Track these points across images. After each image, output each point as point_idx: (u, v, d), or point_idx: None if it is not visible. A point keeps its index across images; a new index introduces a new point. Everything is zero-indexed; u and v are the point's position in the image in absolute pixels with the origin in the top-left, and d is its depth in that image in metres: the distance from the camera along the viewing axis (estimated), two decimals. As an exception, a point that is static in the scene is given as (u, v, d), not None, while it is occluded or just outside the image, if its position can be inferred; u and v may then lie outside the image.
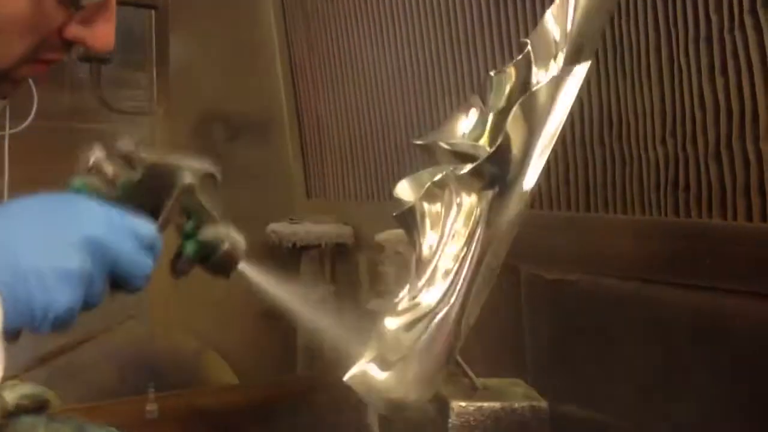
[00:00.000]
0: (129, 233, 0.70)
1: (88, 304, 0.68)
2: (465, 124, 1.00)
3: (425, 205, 0.91)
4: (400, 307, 0.89)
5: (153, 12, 2.04)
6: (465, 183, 0.88)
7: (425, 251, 0.90)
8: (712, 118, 1.17)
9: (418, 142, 1.01)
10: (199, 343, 2.03)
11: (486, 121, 1.00)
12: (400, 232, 1.25)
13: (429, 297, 0.88)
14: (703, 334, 1.16)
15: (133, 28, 2.03)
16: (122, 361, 1.90)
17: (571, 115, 1.35)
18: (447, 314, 0.88)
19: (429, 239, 0.90)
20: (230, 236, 0.79)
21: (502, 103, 0.99)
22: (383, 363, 0.87)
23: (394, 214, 0.94)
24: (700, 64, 1.17)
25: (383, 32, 1.80)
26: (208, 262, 0.79)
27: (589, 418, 1.24)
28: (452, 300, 0.87)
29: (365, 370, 0.87)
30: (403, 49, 1.75)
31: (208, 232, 0.78)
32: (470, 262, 0.88)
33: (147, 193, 0.76)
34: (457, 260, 0.89)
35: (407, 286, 0.91)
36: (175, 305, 2.06)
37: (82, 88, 1.92)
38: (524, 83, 0.98)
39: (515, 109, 0.88)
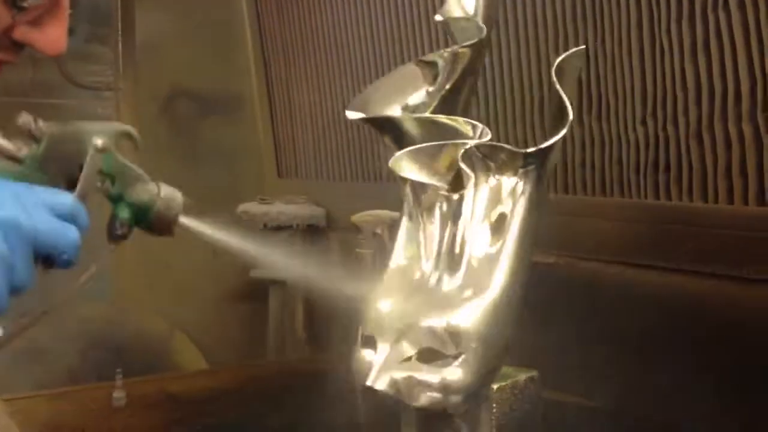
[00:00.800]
0: (42, 206, 0.67)
1: (16, 288, 0.65)
2: (410, 97, 0.94)
3: (439, 183, 0.83)
4: (438, 302, 0.81)
5: (118, -17, 1.98)
6: (504, 159, 0.81)
7: (445, 235, 0.83)
8: (693, 98, 1.15)
9: (373, 116, 0.91)
10: (167, 325, 1.99)
11: (435, 96, 0.95)
12: (378, 212, 1.21)
13: (476, 285, 0.81)
14: (684, 318, 1.15)
15: (99, 2, 1.97)
16: (87, 343, 1.86)
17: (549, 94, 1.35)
18: (507, 299, 0.82)
19: (449, 222, 0.83)
20: (162, 192, 0.78)
21: (452, 81, 0.94)
22: (436, 358, 0.79)
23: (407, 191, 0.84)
24: (682, 44, 1.15)
25: (357, 8, 1.76)
26: (145, 222, 0.78)
27: (571, 403, 1.23)
28: (502, 284, 0.81)
29: (410, 370, 0.79)
30: (377, 25, 1.72)
31: (137, 193, 0.77)
32: (513, 243, 0.83)
33: (58, 163, 0.74)
34: (500, 242, 0.83)
35: (431, 278, 0.83)
36: (141, 286, 2.02)
37: (45, 63, 1.85)
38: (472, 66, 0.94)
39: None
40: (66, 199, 0.70)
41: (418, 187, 0.84)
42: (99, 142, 0.75)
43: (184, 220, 0.80)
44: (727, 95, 1.11)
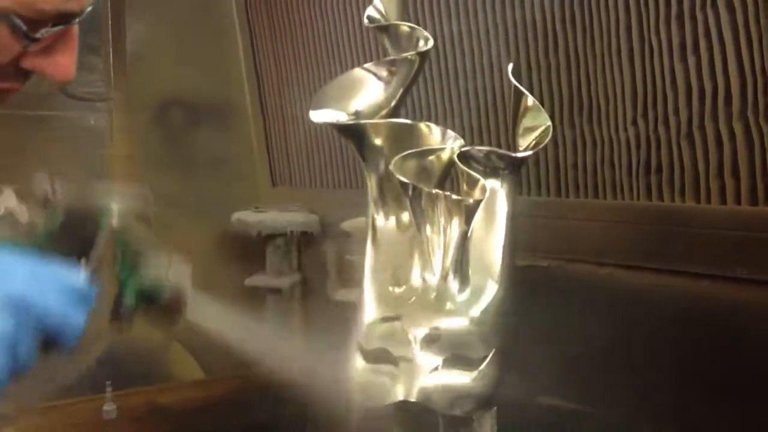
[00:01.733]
0: (55, 286, 0.64)
1: (18, 367, 0.62)
2: (365, 99, 0.92)
3: (430, 188, 0.82)
4: (448, 306, 0.80)
5: (109, -6, 1.97)
6: (496, 162, 0.81)
7: (435, 238, 0.82)
8: (684, 98, 1.15)
9: (341, 122, 0.89)
10: (163, 336, 1.98)
11: (392, 97, 0.94)
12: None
13: (480, 285, 0.80)
14: (677, 319, 1.14)
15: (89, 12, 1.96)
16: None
17: (540, 97, 1.34)
18: (509, 296, 0.82)
19: (443, 226, 0.82)
20: (172, 279, 0.74)
21: (405, 87, 0.93)
22: (464, 364, 0.78)
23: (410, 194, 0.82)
24: (671, 44, 1.15)
25: (348, 17, 1.76)
26: (152, 308, 0.75)
27: (563, 406, 1.23)
28: (505, 283, 0.81)
29: (442, 379, 0.77)
30: (368, 34, 1.71)
31: (147, 278, 0.74)
32: (503, 247, 0.82)
33: (72, 238, 0.71)
34: (490, 245, 0.82)
35: (433, 283, 0.81)
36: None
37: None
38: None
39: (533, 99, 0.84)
40: (80, 280, 0.67)
41: (415, 191, 0.83)
42: (114, 223, 0.72)
43: (194, 314, 0.77)
44: (718, 95, 1.11)
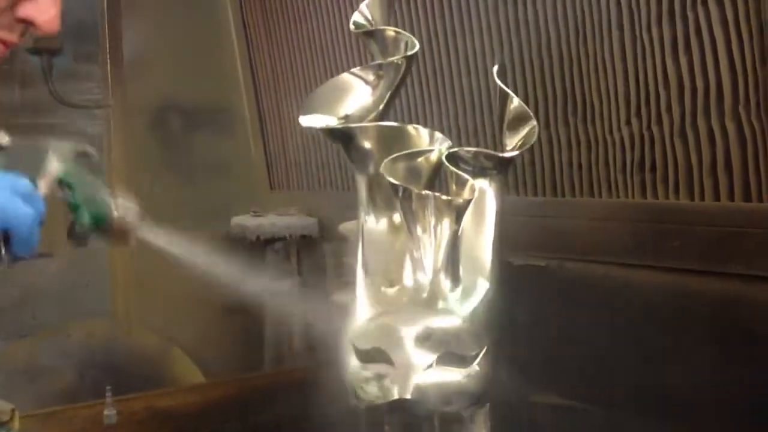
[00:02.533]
0: (3, 185, 0.76)
1: None
2: (354, 103, 0.93)
3: (420, 189, 0.83)
4: (441, 304, 0.81)
5: (104, 2, 1.98)
6: (484, 163, 0.82)
7: (426, 238, 0.83)
8: (676, 96, 1.15)
9: (330, 126, 0.90)
10: (163, 341, 1.99)
11: (380, 100, 0.94)
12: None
13: (472, 283, 0.81)
14: (673, 315, 1.14)
15: (85, 19, 1.97)
16: (83, 361, 1.85)
17: (535, 97, 1.35)
18: (499, 293, 0.83)
19: (433, 226, 0.83)
20: (119, 204, 0.87)
21: (392, 90, 0.93)
22: (458, 361, 0.79)
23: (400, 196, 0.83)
24: (663, 42, 1.15)
25: (343, 21, 1.76)
26: (103, 229, 0.87)
27: (561, 403, 1.23)
28: (496, 279, 0.82)
29: (437, 376, 0.78)
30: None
31: (95, 202, 0.86)
32: (493, 245, 0.83)
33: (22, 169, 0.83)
34: (479, 244, 0.83)
35: (425, 283, 0.82)
36: (138, 302, 2.01)
37: (33, 82, 1.86)
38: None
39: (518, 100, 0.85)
40: (25, 181, 0.78)
41: (405, 192, 0.84)
42: (57, 153, 0.85)
43: (144, 232, 0.88)
44: (709, 92, 1.11)
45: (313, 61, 1.89)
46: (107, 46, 1.98)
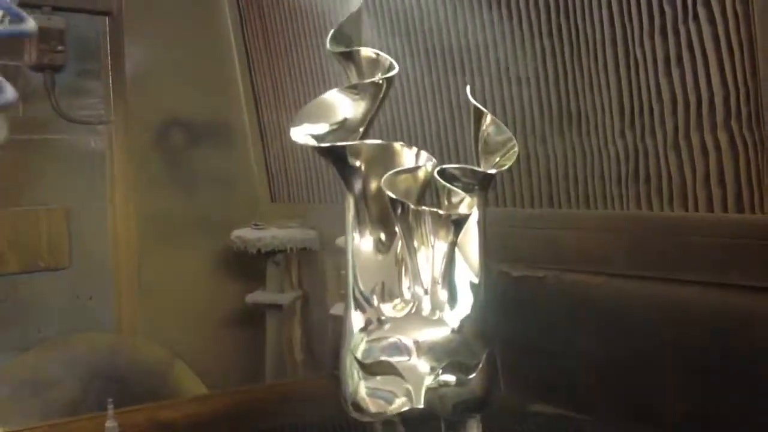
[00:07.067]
0: None
1: None
2: (338, 112, 0.94)
3: (416, 205, 0.85)
4: (440, 315, 0.82)
5: (107, 19, 2.01)
6: (470, 179, 0.84)
7: (422, 252, 0.85)
8: (669, 109, 1.17)
9: (321, 145, 0.92)
10: (167, 353, 2.00)
11: (368, 111, 0.95)
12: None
13: (466, 296, 0.83)
14: (669, 326, 1.16)
15: (87, 36, 2.00)
16: (89, 373, 1.87)
17: (531, 111, 1.37)
18: (494, 301, 0.85)
19: (431, 241, 0.85)
20: None
21: (375, 109, 0.95)
22: (461, 370, 0.81)
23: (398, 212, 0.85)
24: (656, 57, 1.17)
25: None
26: None
27: (559, 414, 1.24)
28: (489, 294, 0.84)
29: (439, 384, 0.80)
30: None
31: None
32: (480, 258, 0.85)
33: None
34: (469, 256, 0.85)
35: (423, 295, 0.84)
36: (142, 315, 2.03)
37: (36, 99, 1.88)
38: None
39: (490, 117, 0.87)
40: None
41: (404, 208, 0.86)
42: None
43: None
44: (702, 105, 1.13)
45: (313, 76, 1.91)
46: (110, 62, 2.01)
